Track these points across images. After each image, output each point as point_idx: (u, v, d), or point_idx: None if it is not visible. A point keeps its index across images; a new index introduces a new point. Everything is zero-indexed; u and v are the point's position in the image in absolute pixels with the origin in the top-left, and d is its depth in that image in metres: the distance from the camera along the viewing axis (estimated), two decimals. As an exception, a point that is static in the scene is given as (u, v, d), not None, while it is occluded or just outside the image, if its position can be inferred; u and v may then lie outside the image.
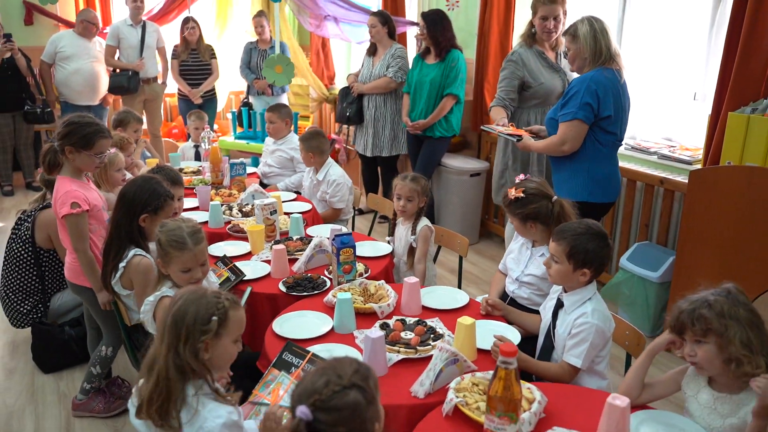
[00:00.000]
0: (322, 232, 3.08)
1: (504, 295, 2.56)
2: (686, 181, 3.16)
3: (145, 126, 6.06)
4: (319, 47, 7.21)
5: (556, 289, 2.17)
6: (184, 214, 3.23)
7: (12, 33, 5.60)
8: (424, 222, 2.94)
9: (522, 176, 2.49)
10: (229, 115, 6.27)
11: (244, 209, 3.34)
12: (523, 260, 2.50)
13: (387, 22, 4.83)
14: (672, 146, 3.83)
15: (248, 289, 2.41)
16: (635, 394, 1.73)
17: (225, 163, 3.93)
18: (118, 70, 5.70)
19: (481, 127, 3.36)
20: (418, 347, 1.99)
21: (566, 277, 2.03)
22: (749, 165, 2.85)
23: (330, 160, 3.74)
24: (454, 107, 4.47)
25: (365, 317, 2.23)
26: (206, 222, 3.19)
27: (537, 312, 2.31)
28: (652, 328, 3.37)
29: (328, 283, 2.51)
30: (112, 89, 5.76)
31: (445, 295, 2.41)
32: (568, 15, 3.63)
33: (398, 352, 1.97)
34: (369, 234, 3.62)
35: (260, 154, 4.76)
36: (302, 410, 1.15)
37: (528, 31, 3.70)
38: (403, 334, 2.06)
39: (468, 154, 5.04)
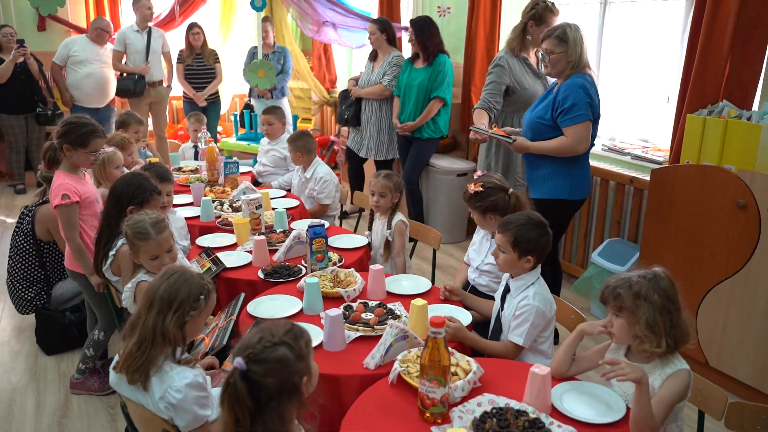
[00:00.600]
0: (304, 226, 3.28)
1: (467, 284, 2.75)
2: (652, 180, 3.33)
3: (150, 128, 6.34)
4: (321, 52, 7.44)
5: (507, 276, 2.36)
6: (180, 209, 3.48)
7: (26, 38, 5.88)
8: (399, 217, 3.14)
9: (479, 173, 2.69)
10: (233, 118, 6.51)
11: (234, 205, 3.56)
12: (483, 250, 2.69)
13: (386, 29, 4.98)
14: (646, 147, 3.99)
15: (242, 295, 2.52)
16: (565, 368, 1.92)
17: (220, 162, 4.15)
18: (125, 74, 5.95)
19: (471, 127, 3.42)
20: (375, 326, 2.18)
21: (513, 265, 2.22)
22: (705, 164, 3.02)
23: (317, 158, 3.95)
24: (441, 110, 4.66)
25: (333, 301, 2.42)
26: (198, 216, 3.42)
27: (494, 298, 2.49)
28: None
29: (304, 271, 2.72)
30: (119, 92, 6.01)
31: (409, 283, 2.60)
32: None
33: (357, 330, 2.17)
34: (355, 230, 3.81)
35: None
36: (238, 361, 1.34)
37: (519, 38, 3.74)
38: (363, 315, 2.26)
39: (457, 155, 5.22)
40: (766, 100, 3.10)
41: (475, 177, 2.65)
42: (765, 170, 2.77)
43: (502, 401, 1.77)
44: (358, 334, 2.15)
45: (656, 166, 3.59)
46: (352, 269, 2.66)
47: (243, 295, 2.56)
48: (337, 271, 2.63)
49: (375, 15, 5.98)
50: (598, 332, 1.84)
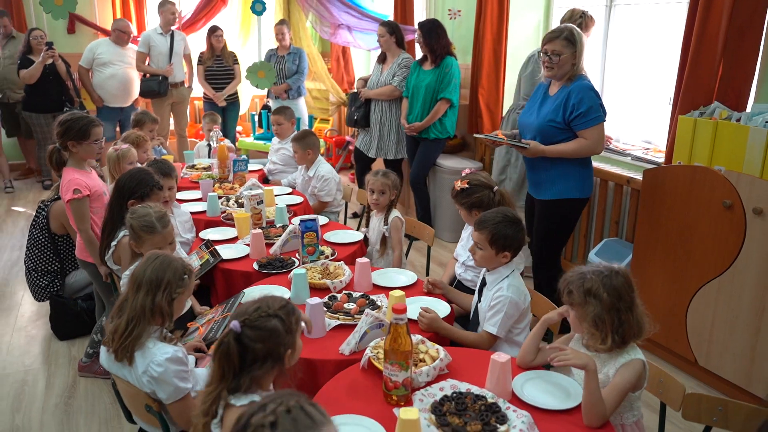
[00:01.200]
0: (302, 222, 3.41)
1: (455, 278, 2.84)
2: (648, 180, 3.36)
3: (172, 127, 6.56)
4: (339, 54, 7.59)
5: (484, 270, 2.43)
6: (188, 204, 3.64)
7: (56, 41, 6.14)
8: (395, 213, 3.24)
9: (467, 170, 2.77)
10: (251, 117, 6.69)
11: (239, 201, 3.70)
12: (469, 246, 2.76)
13: (394, 31, 5.09)
14: (647, 148, 4.02)
15: (242, 293, 2.57)
16: (530, 357, 1.99)
17: (230, 160, 4.30)
18: (148, 75, 6.17)
19: (476, 136, 3.42)
20: (355, 315, 2.29)
21: (490, 261, 2.30)
22: (696, 165, 3.05)
23: (320, 157, 4.08)
24: (448, 111, 4.74)
25: (321, 291, 2.54)
26: (205, 211, 3.58)
27: (477, 292, 2.57)
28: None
29: (297, 263, 2.84)
30: (143, 93, 6.22)
31: (395, 276, 2.70)
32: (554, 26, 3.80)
33: (338, 318, 2.28)
34: (358, 228, 3.92)
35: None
36: (234, 324, 1.53)
37: None
38: (346, 305, 2.37)
39: (466, 155, 5.30)
40: (759, 101, 3.11)
41: (462, 174, 2.74)
42: (752, 171, 2.80)
43: (464, 387, 1.85)
44: (338, 322, 2.26)
45: (654, 167, 3.63)
46: (342, 262, 2.77)
47: (244, 293, 2.65)
48: (327, 264, 2.75)
49: (391, 17, 6.09)
50: (558, 318, 1.92)
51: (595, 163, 3.88)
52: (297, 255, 2.94)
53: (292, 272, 2.59)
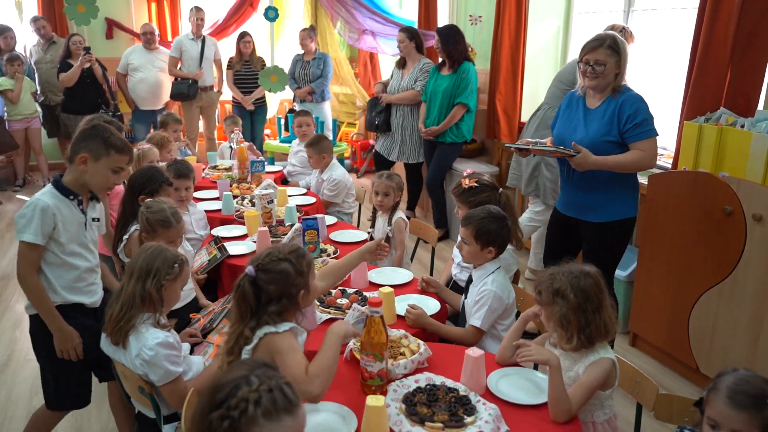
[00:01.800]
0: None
1: (451, 278, 2.90)
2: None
3: (201, 129, 6.77)
4: (367, 59, 7.71)
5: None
6: (206, 203, 3.79)
7: (94, 46, 6.42)
8: (399, 214, 3.32)
9: (469, 170, 2.83)
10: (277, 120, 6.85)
11: (253, 200, 3.83)
12: (464, 246, 2.82)
13: (414, 37, 5.20)
14: (661, 155, 3.99)
15: None
16: (508, 354, 2.04)
17: (249, 161, 4.45)
18: (179, 79, 6.40)
19: (507, 145, 3.16)
20: (346, 310, 2.37)
21: (476, 256, 2.36)
22: (700, 171, 3.04)
23: (334, 161, 4.18)
24: (465, 115, 4.81)
25: (319, 288, 2.63)
26: (220, 209, 3.72)
27: (471, 292, 2.63)
28: (622, 325, 3.57)
29: (299, 261, 2.94)
30: (174, 96, 6.47)
31: (391, 274, 2.78)
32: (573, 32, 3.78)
33: (329, 312, 2.37)
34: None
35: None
36: (249, 269, 1.71)
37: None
38: (339, 301, 2.46)
39: (483, 160, 5.34)
40: (767, 108, 3.09)
41: (465, 174, 2.80)
42: (754, 177, 2.78)
43: (439, 380, 1.91)
44: (329, 316, 2.35)
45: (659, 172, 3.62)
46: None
47: None
48: (327, 261, 2.84)
49: (415, 24, 6.17)
50: (532, 317, 1.97)
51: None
52: (300, 252, 3.04)
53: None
